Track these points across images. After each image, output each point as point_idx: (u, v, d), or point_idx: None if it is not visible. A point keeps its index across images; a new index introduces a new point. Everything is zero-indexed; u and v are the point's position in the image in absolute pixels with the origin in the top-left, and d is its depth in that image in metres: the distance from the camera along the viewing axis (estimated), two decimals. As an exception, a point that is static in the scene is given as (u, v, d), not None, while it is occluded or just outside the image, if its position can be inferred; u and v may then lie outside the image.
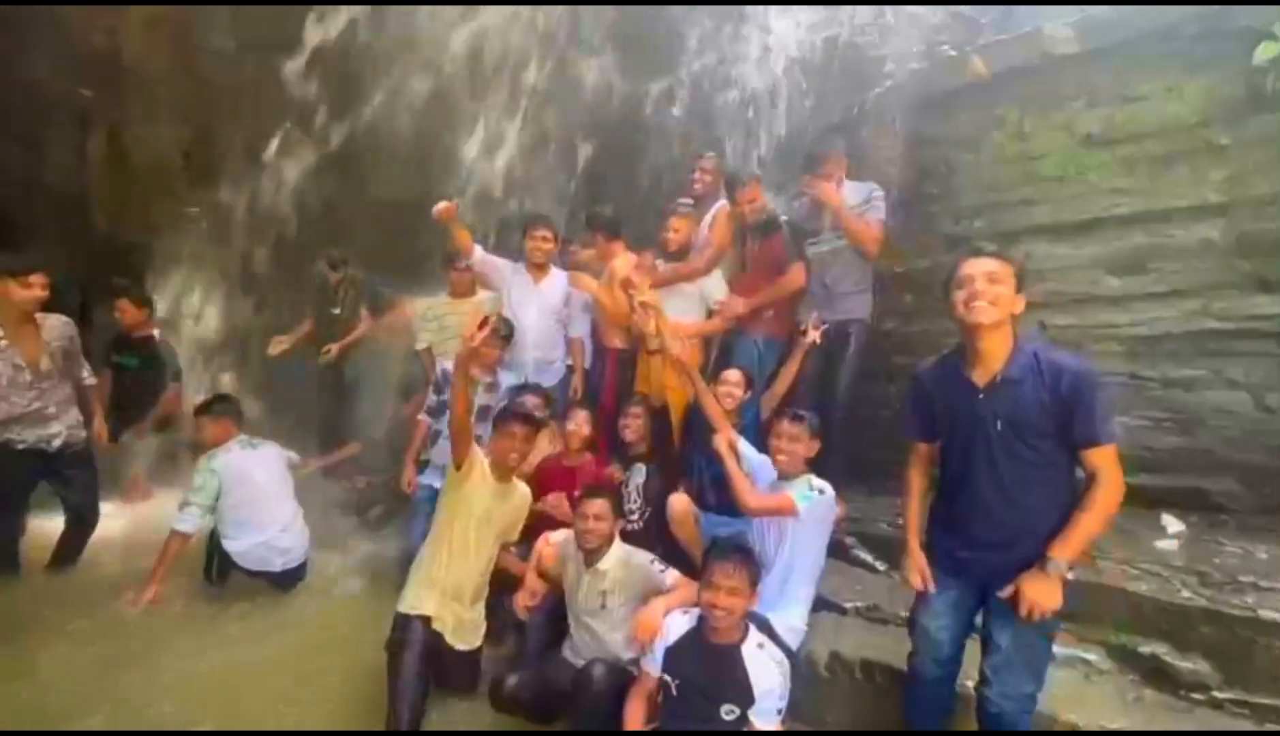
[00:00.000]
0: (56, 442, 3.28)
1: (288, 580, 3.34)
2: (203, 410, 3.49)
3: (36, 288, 3.09)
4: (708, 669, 2.13)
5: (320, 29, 4.94)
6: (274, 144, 5.32)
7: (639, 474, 3.13)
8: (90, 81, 5.86)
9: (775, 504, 2.49)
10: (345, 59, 5.06)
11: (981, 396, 1.87)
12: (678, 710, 2.15)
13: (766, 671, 2.09)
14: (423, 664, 2.46)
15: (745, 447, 2.83)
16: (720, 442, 2.70)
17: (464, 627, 2.66)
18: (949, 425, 1.98)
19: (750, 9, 4.26)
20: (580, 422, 3.18)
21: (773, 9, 4.19)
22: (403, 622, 2.55)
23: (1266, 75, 2.53)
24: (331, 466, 4.28)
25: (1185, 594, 2.41)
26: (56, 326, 3.31)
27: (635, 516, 3.07)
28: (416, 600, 2.59)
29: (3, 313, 3.09)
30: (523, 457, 2.76)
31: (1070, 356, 1.88)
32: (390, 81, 5.01)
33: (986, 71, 3.20)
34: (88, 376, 3.65)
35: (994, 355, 1.85)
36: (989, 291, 1.79)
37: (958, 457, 1.96)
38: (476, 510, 2.68)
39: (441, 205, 3.46)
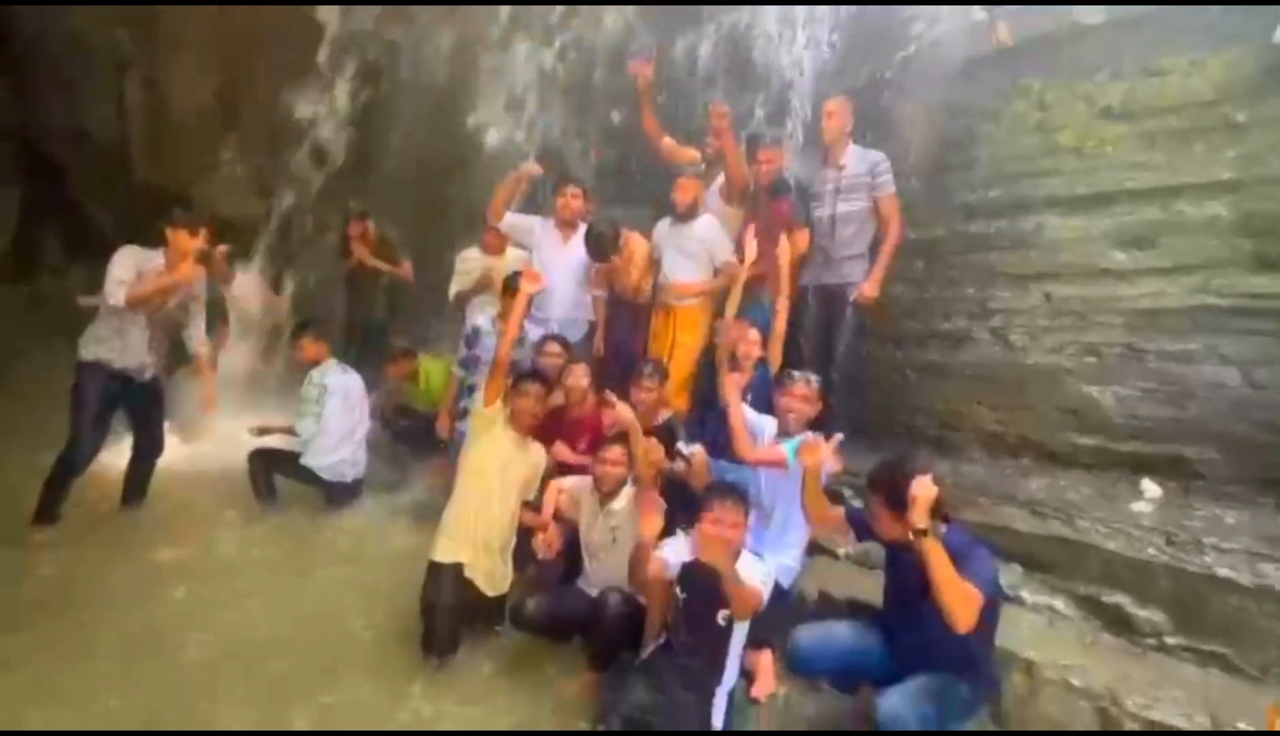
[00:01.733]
0: (147, 374, 3.59)
1: (349, 495, 3.99)
2: (302, 330, 4.09)
3: (200, 239, 3.52)
4: (707, 584, 2.43)
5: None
6: (304, 94, 5.47)
7: (653, 444, 3.25)
8: (125, 25, 6.02)
9: (768, 456, 2.80)
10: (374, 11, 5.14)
11: (906, 559, 2.20)
12: (684, 617, 2.47)
13: (752, 572, 2.44)
14: (455, 610, 2.72)
15: (748, 410, 3.09)
16: (730, 390, 2.94)
17: (494, 576, 2.91)
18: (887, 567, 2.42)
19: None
20: (578, 376, 3.43)
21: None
22: (436, 571, 2.76)
23: (1286, 55, 2.59)
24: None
25: (1150, 551, 2.65)
26: (197, 283, 3.69)
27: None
28: (449, 549, 2.82)
29: (171, 255, 3.47)
30: (538, 416, 3.02)
31: (982, 560, 2.15)
32: (417, 33, 5.11)
33: (1010, 39, 3.24)
34: (203, 341, 3.84)
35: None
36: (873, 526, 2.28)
37: (890, 587, 2.42)
38: (498, 460, 2.90)
39: (527, 167, 3.78)
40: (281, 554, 3.48)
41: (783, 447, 2.77)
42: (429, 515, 3.38)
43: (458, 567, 2.79)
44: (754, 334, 3.32)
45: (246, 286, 5.29)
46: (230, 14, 5.76)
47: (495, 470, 2.91)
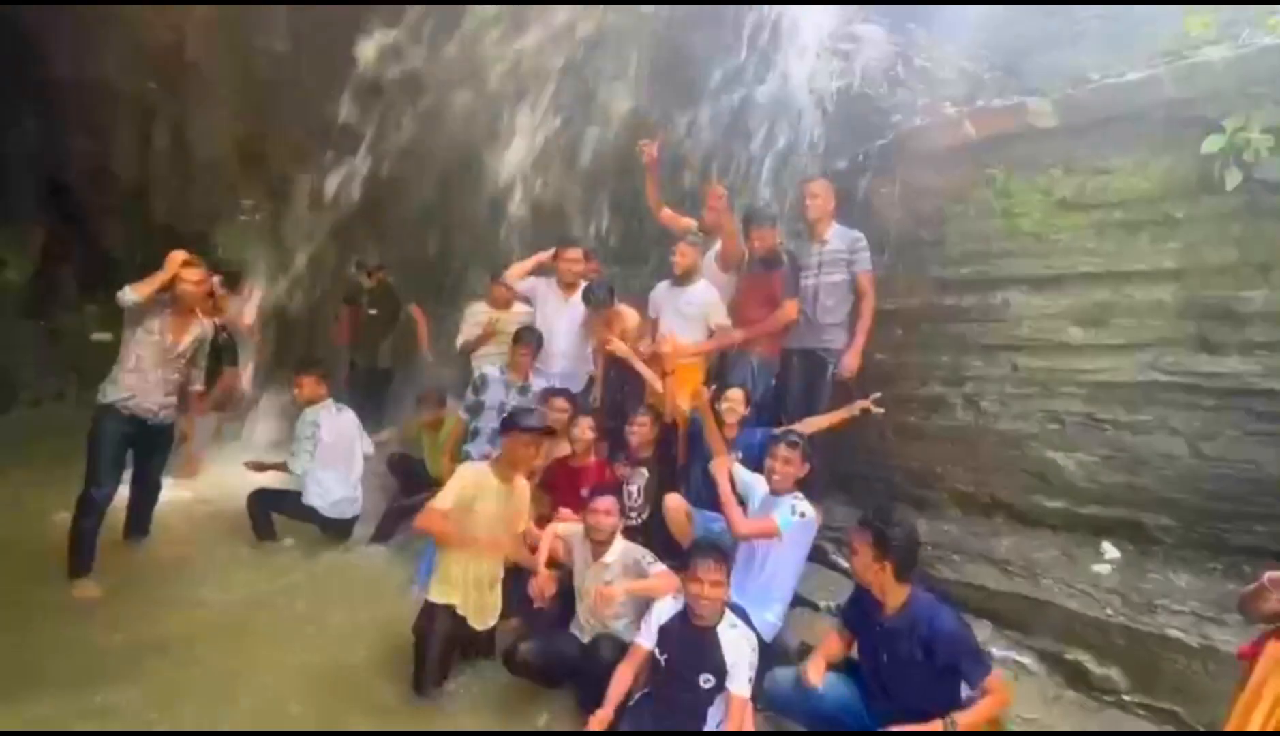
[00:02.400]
0: (161, 416, 3.69)
1: (347, 527, 4.19)
2: (303, 369, 4.28)
3: (205, 283, 3.72)
4: (690, 646, 2.60)
5: (371, 43, 5.38)
6: (323, 146, 5.75)
7: (640, 477, 3.60)
8: (155, 76, 6.39)
9: (760, 528, 2.98)
10: (392, 72, 5.50)
11: (878, 631, 2.44)
12: (665, 679, 2.62)
13: (738, 648, 2.56)
14: (446, 645, 2.88)
15: (738, 470, 3.30)
16: (718, 468, 3.15)
17: (485, 610, 3.05)
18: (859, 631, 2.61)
19: (774, 51, 4.66)
20: (584, 428, 3.63)
21: (794, 52, 4.58)
22: (429, 609, 2.90)
23: (1214, 162, 2.92)
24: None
25: (1109, 611, 2.84)
26: (207, 326, 3.86)
27: (635, 514, 3.54)
28: (443, 592, 2.94)
29: (176, 295, 3.61)
30: (530, 462, 3.15)
31: (951, 619, 2.37)
32: (432, 98, 5.47)
33: (976, 134, 3.60)
34: (198, 382, 3.99)
35: (888, 603, 2.44)
36: (851, 561, 2.51)
37: (864, 649, 2.59)
38: (484, 518, 3.00)
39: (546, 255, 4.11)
40: (278, 589, 3.60)
41: (774, 517, 2.95)
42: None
43: (450, 608, 2.93)
44: (737, 393, 3.55)
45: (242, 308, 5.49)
46: (256, 65, 6.14)
47: (482, 525, 3.01)
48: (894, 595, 2.42)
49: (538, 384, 4.04)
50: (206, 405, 4.70)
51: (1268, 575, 1.89)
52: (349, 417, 4.33)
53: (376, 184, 5.90)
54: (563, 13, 5.13)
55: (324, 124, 5.71)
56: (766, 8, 4.47)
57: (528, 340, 4.02)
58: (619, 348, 3.87)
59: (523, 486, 3.23)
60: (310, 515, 4.08)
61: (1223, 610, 2.64)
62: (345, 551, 4.09)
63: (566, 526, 3.28)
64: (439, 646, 2.87)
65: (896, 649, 2.39)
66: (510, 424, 3.09)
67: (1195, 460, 3.08)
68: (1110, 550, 3.14)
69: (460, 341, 4.56)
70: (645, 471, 3.61)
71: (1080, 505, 3.36)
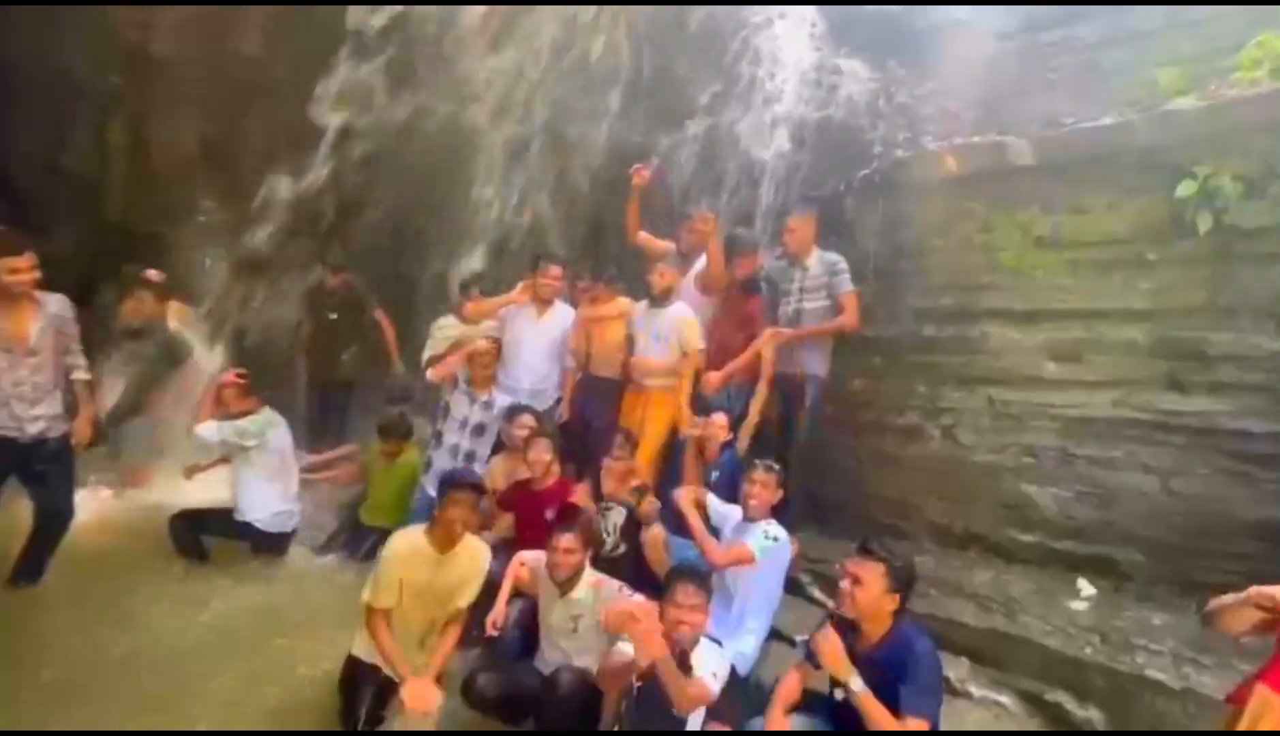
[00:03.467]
0: (32, 430, 3.04)
1: (284, 543, 3.94)
2: (236, 381, 3.95)
3: (23, 272, 2.96)
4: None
5: (351, 51, 5.24)
6: (291, 153, 5.54)
7: (618, 514, 3.36)
8: (118, 70, 6.10)
9: (735, 556, 2.89)
10: (370, 80, 5.36)
11: (862, 661, 2.28)
12: (639, 705, 2.45)
13: (707, 656, 2.47)
14: (372, 704, 2.57)
15: (712, 500, 3.21)
16: (685, 501, 3.05)
17: (414, 669, 2.62)
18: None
19: (760, 77, 4.69)
20: (540, 450, 3.44)
21: (777, 82, 4.62)
22: (353, 666, 2.63)
23: (1186, 206, 2.99)
24: (322, 465, 4.55)
25: (1088, 650, 2.79)
26: (51, 305, 3.13)
27: (611, 551, 3.34)
28: (366, 650, 2.61)
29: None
30: (469, 526, 2.68)
31: (926, 645, 2.23)
32: (410, 106, 5.34)
33: (956, 169, 3.64)
34: (82, 369, 3.35)
35: (871, 634, 2.29)
36: (850, 591, 2.25)
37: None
38: (411, 587, 2.58)
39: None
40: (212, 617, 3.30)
41: (749, 545, 2.86)
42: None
43: (374, 667, 2.63)
44: (720, 419, 3.46)
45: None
46: (226, 64, 5.92)
47: (409, 596, 2.60)
48: (881, 626, 2.30)
49: (502, 400, 3.88)
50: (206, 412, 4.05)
51: (1254, 589, 1.83)
52: (285, 428, 4.08)
53: (346, 190, 5.72)
54: (545, 33, 5.10)
55: (293, 128, 5.52)
56: (750, 35, 4.51)
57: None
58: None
59: (470, 552, 2.72)
60: (241, 531, 3.81)
61: (1201, 650, 2.62)
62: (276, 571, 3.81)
63: (532, 554, 3.09)
64: (365, 706, 2.58)
65: (880, 680, 2.26)
66: (446, 481, 2.72)
67: (1166, 497, 3.10)
68: (1087, 587, 3.12)
69: (426, 356, 4.37)
70: (623, 510, 3.36)
71: (1055, 539, 3.35)
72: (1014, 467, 3.48)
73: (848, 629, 2.35)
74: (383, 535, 3.81)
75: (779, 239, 4.05)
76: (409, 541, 2.65)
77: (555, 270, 4.07)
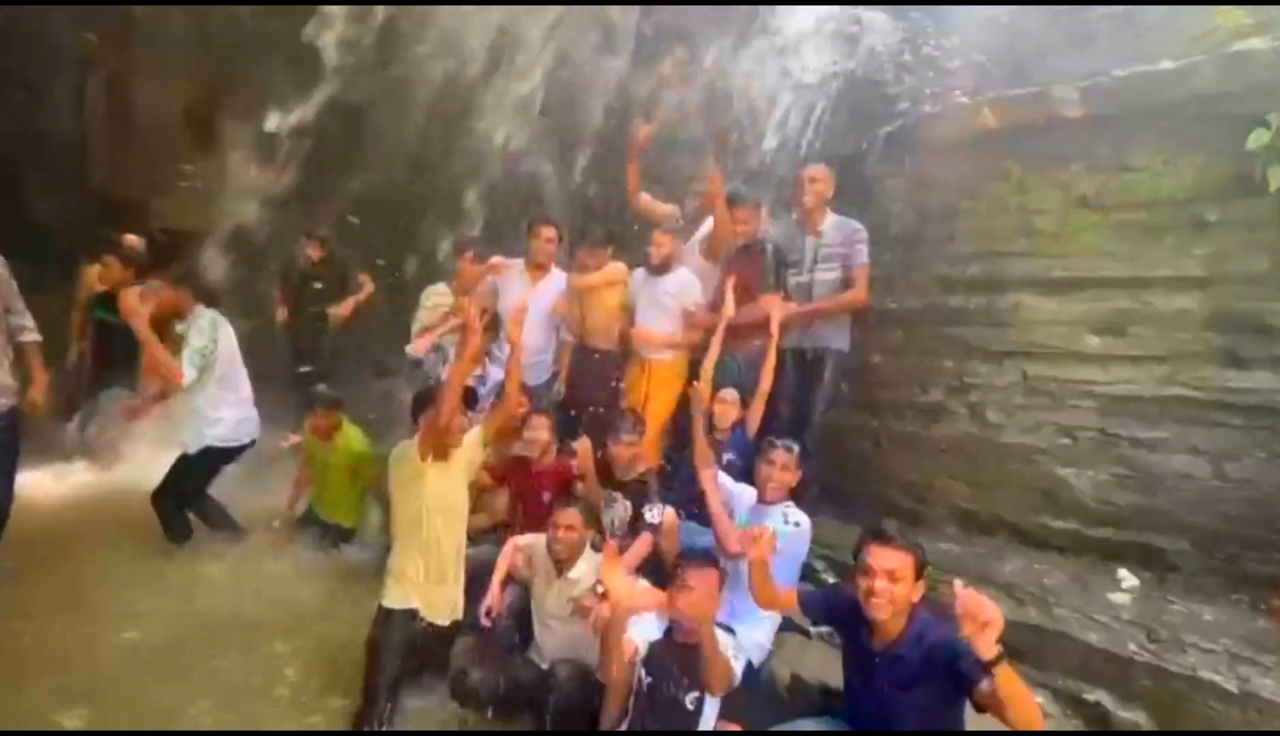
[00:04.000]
0: None
1: (228, 524, 3.67)
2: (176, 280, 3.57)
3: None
4: (676, 666, 2.29)
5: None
6: (276, 113, 5.24)
7: (623, 507, 3.09)
8: (97, 29, 5.79)
9: (751, 535, 2.60)
10: (359, 36, 5.04)
11: (877, 660, 2.05)
12: (647, 703, 2.28)
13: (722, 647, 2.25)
14: (403, 661, 2.52)
15: (724, 479, 2.96)
16: (706, 480, 2.79)
17: (451, 605, 2.70)
18: (847, 657, 2.20)
19: (771, 32, 4.35)
20: (539, 428, 3.21)
21: (795, 33, 4.28)
22: (384, 617, 2.57)
23: (1256, 161, 2.67)
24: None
25: (1132, 647, 2.54)
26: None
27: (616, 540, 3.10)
28: (402, 595, 2.60)
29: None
30: (456, 431, 2.71)
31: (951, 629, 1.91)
32: (401, 64, 5.02)
33: (994, 122, 3.32)
34: (31, 330, 3.08)
35: (889, 628, 2.02)
36: (887, 590, 1.94)
37: (854, 681, 2.18)
38: (430, 502, 2.66)
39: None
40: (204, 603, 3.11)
41: (770, 529, 2.60)
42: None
43: (410, 613, 2.59)
44: (731, 395, 3.20)
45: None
46: (209, 23, 5.60)
47: (432, 513, 2.66)
48: (898, 620, 2.06)
49: (495, 374, 3.62)
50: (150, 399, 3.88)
51: None
52: (228, 323, 3.62)
53: (335, 149, 5.42)
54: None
55: (278, 84, 5.21)
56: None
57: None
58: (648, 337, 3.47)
59: (467, 444, 2.79)
60: (213, 507, 3.63)
61: (1260, 649, 2.37)
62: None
63: (527, 538, 2.88)
64: (395, 663, 2.51)
65: (899, 675, 2.02)
66: (420, 400, 2.80)
67: (1218, 482, 2.83)
68: (1129, 577, 2.87)
69: (415, 327, 4.10)
70: (627, 502, 3.08)
71: (1090, 527, 3.09)
72: (1047, 449, 3.21)
73: (859, 623, 2.09)
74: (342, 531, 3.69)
75: (792, 203, 3.76)
76: (402, 452, 2.72)
77: (549, 231, 3.76)
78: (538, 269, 3.81)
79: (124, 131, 6.11)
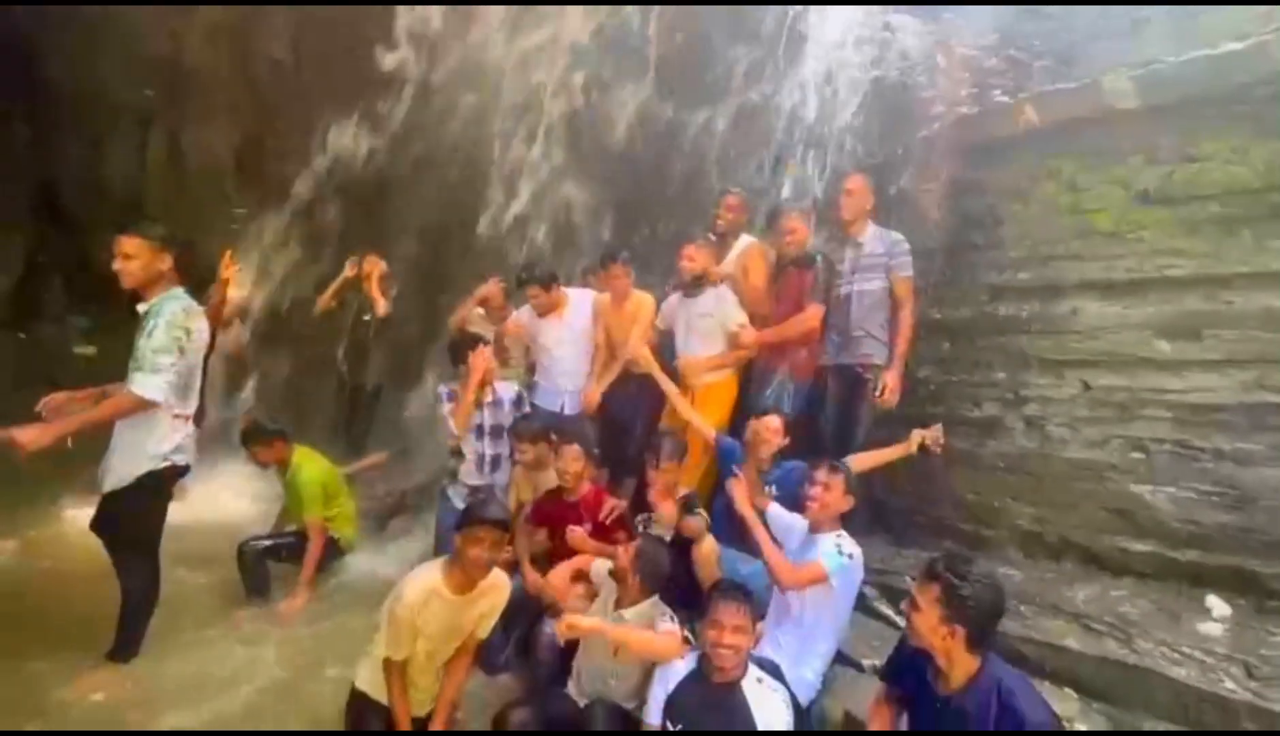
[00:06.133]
0: None
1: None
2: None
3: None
4: (710, 709, 2.15)
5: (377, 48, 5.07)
6: (321, 157, 5.44)
7: (661, 531, 2.95)
8: (153, 84, 6.15)
9: (809, 576, 2.46)
10: (396, 84, 5.19)
11: (939, 707, 1.90)
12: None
13: (768, 703, 2.11)
14: None
15: (774, 508, 2.82)
16: (743, 502, 2.66)
17: (426, 696, 2.44)
18: (912, 704, 2.05)
19: (800, 41, 4.27)
20: (569, 459, 3.09)
21: (823, 43, 4.19)
22: (359, 703, 2.39)
23: (1340, 144, 2.44)
24: (355, 475, 4.36)
25: (1229, 684, 2.29)
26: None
27: None
28: (375, 684, 2.38)
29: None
30: (490, 565, 2.32)
31: (1034, 701, 1.81)
32: (437, 106, 5.14)
33: (1037, 120, 3.15)
34: None
35: (952, 676, 1.86)
36: (912, 618, 1.89)
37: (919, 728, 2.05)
38: (429, 633, 2.33)
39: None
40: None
41: (821, 562, 2.45)
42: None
43: (383, 707, 2.36)
44: (774, 422, 3.05)
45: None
46: (255, 74, 5.87)
47: (429, 643, 2.35)
48: (961, 667, 1.88)
49: (505, 392, 3.56)
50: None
51: None
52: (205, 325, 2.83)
53: (375, 190, 5.58)
54: (571, 14, 4.81)
55: (323, 131, 5.42)
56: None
57: (461, 352, 3.43)
58: (643, 358, 3.37)
59: (492, 585, 2.41)
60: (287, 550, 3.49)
61: (1384, 689, 2.09)
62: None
63: (597, 563, 2.82)
64: None
65: (964, 724, 1.86)
66: (467, 517, 2.35)
67: (1320, 497, 2.55)
68: (1219, 605, 2.59)
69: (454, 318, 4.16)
70: (665, 536, 2.94)
71: (1174, 549, 2.82)
72: (1118, 465, 2.97)
73: (927, 665, 1.94)
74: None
75: (827, 217, 3.64)
76: (424, 587, 2.30)
77: (533, 289, 3.69)
78: (548, 309, 3.79)
79: (180, 179, 6.44)
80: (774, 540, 2.63)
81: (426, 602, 2.28)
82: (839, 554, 2.47)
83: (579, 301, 3.85)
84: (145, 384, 2.54)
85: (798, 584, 2.47)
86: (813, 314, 3.33)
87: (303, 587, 3.37)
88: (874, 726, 2.17)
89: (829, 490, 2.58)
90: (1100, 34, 3.64)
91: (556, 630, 2.41)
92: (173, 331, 2.58)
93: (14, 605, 3.04)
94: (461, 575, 2.29)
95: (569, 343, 3.78)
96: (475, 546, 2.25)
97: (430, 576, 2.32)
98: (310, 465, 3.54)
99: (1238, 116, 2.72)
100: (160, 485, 2.74)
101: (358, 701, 2.39)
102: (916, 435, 2.97)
